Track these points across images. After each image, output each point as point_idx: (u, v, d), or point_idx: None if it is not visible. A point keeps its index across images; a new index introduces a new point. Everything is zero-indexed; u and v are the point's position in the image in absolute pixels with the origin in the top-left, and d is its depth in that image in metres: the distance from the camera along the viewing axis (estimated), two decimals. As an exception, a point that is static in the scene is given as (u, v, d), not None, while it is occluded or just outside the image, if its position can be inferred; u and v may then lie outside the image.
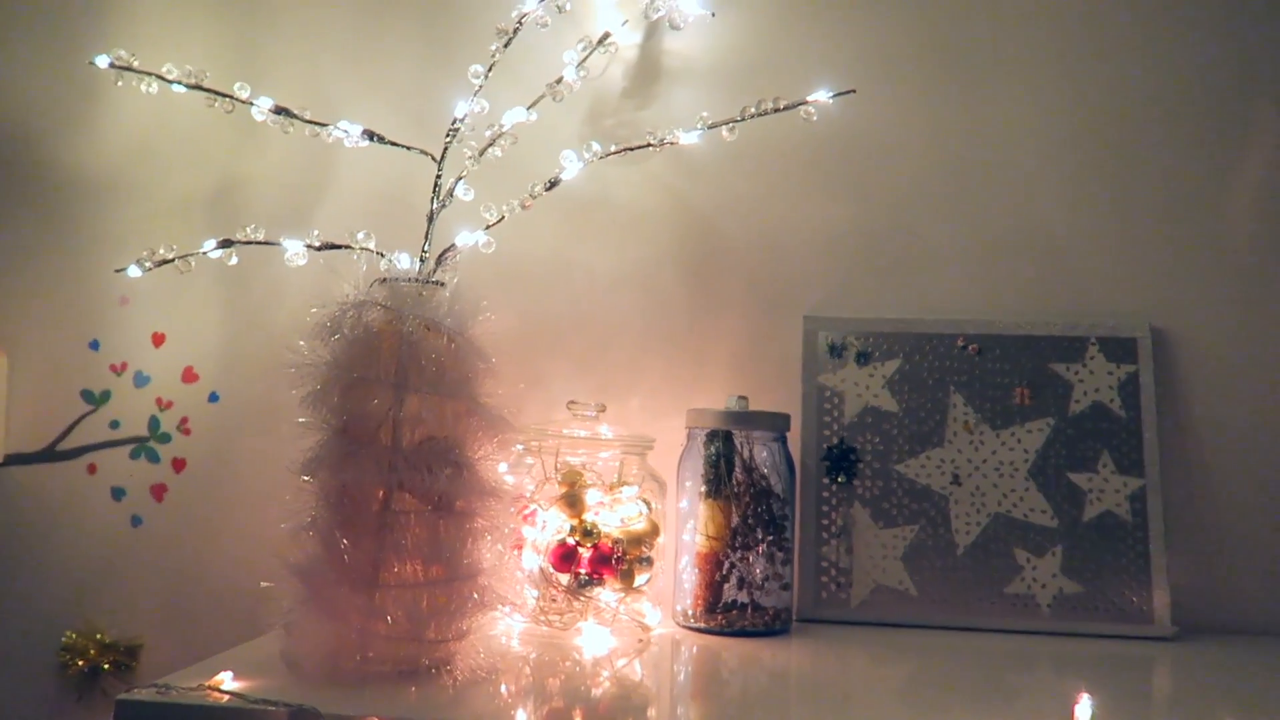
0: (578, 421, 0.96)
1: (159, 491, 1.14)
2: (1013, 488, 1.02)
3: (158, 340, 1.16)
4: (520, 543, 0.90)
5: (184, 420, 1.15)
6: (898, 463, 1.04)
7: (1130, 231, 1.08)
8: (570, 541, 0.89)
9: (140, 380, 1.15)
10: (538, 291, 1.12)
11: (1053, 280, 1.08)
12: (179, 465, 1.14)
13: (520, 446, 0.93)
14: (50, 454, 1.16)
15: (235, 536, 1.12)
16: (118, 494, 1.15)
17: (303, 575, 0.76)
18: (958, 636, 0.96)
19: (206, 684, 0.68)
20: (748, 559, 0.95)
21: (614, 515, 0.91)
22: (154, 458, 1.15)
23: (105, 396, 1.16)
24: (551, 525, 0.90)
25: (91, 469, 1.15)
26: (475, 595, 0.77)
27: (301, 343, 0.77)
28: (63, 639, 1.12)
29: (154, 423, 1.15)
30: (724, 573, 0.95)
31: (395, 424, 0.75)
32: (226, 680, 0.68)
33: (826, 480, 1.04)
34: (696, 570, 0.96)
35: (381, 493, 0.75)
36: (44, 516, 1.15)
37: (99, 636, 1.11)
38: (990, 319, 1.06)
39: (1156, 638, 0.97)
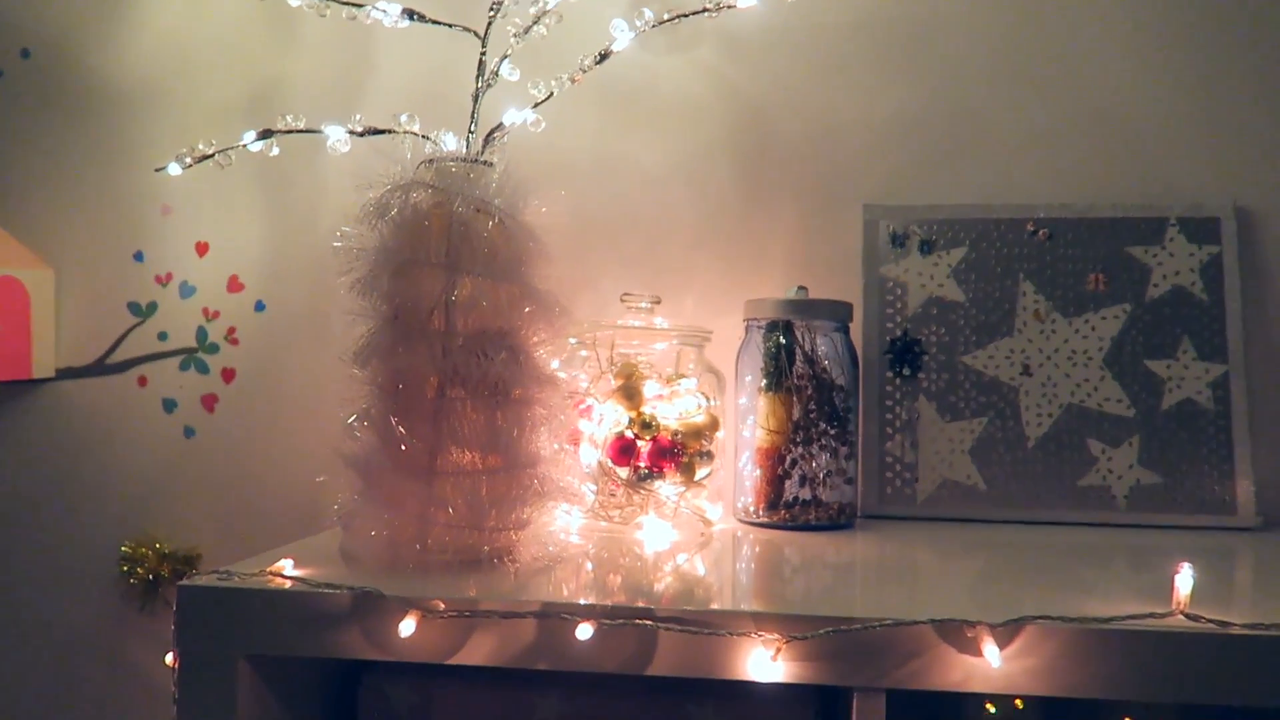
0: (632, 314, 0.93)
1: (209, 402, 1.14)
2: (1086, 377, 0.97)
3: (201, 250, 1.14)
4: (577, 437, 0.88)
5: (231, 330, 1.13)
6: (964, 354, 0.99)
7: (1212, 103, 1.01)
8: (628, 434, 0.87)
9: (186, 291, 1.14)
10: (585, 189, 1.08)
11: (1128, 159, 1.02)
12: (228, 375, 1.13)
13: (574, 340, 0.91)
14: (100, 368, 1.15)
15: (287, 445, 1.12)
16: (169, 406, 1.14)
17: (359, 467, 0.75)
18: (1029, 531, 0.93)
19: (268, 570, 0.67)
20: (810, 453, 0.92)
21: (672, 408, 0.89)
22: (203, 369, 1.14)
23: (152, 309, 1.14)
24: (609, 419, 0.87)
25: (142, 381, 1.15)
26: (535, 484, 0.75)
27: (348, 229, 0.74)
28: (122, 549, 1.12)
29: (201, 334, 1.14)
30: (786, 468, 0.92)
31: (447, 308, 0.73)
32: (288, 567, 0.67)
33: (890, 374, 1.00)
34: (757, 467, 0.93)
35: (436, 380, 0.73)
36: (97, 430, 1.15)
37: (158, 546, 1.12)
38: (1061, 202, 1.01)
39: (1239, 528, 0.93)
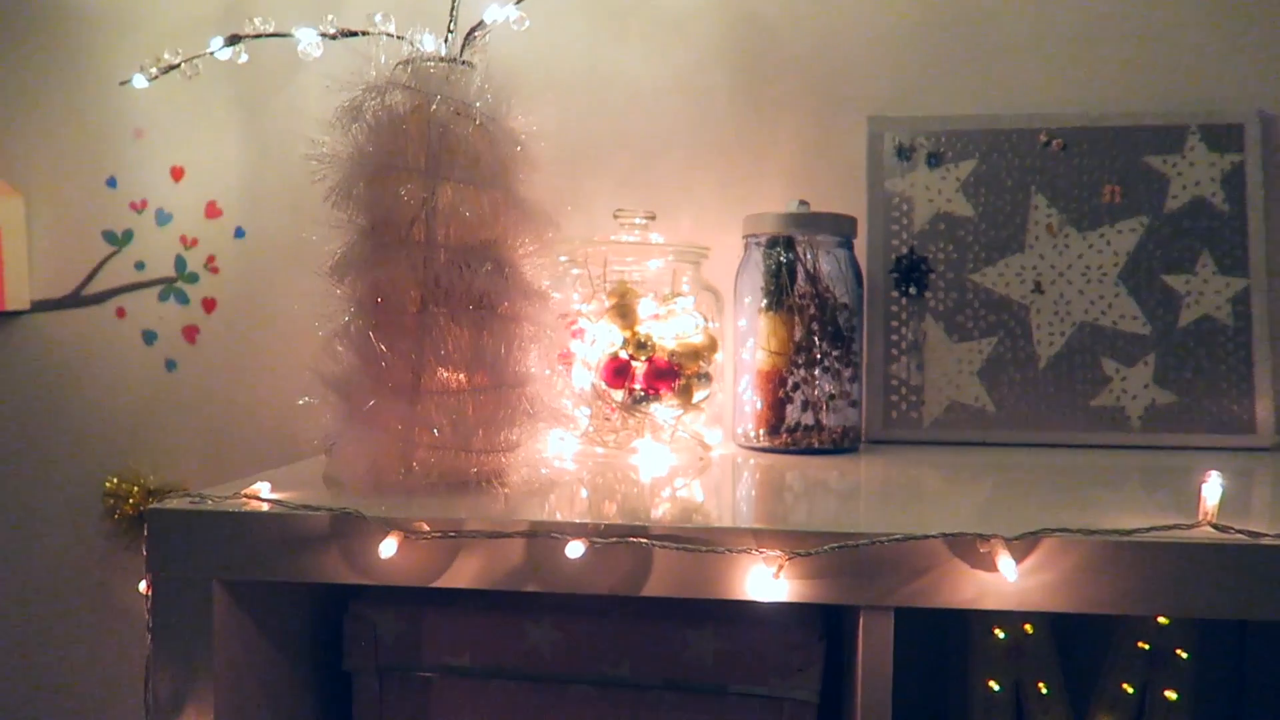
0: (626, 231, 0.88)
1: (191, 333, 1.10)
2: (1101, 294, 0.93)
3: (177, 174, 1.09)
4: (569, 359, 0.84)
5: (210, 259, 1.09)
6: (973, 272, 0.95)
7: (1235, 3, 0.95)
8: (622, 356, 0.83)
9: (162, 218, 1.09)
10: (575, 104, 1.03)
11: (1146, 64, 0.97)
12: (209, 305, 1.09)
13: (564, 258, 0.86)
14: (77, 299, 1.11)
15: (272, 376, 1.08)
16: (149, 338, 1.10)
17: (339, 388, 0.71)
18: (1040, 454, 0.90)
19: (243, 492, 0.63)
20: (812, 375, 0.89)
21: (668, 328, 0.85)
22: (183, 299, 1.10)
23: (128, 237, 1.10)
24: (602, 340, 0.84)
25: (120, 313, 1.11)
26: (524, 404, 0.71)
27: (323, 137, 0.70)
28: (106, 485, 1.09)
29: (180, 262, 1.09)
30: (787, 391, 0.89)
31: (428, 217, 0.68)
32: (264, 490, 0.64)
33: (895, 294, 0.96)
34: (757, 391, 0.90)
35: (417, 294, 0.69)
36: (76, 363, 1.11)
37: (142, 482, 1.09)
38: (1076, 111, 0.96)
39: (1259, 448, 0.90)
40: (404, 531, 0.58)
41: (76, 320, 1.11)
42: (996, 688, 0.83)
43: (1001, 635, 0.83)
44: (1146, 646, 0.82)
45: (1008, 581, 0.54)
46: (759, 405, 0.89)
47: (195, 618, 0.61)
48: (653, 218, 0.89)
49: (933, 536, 0.55)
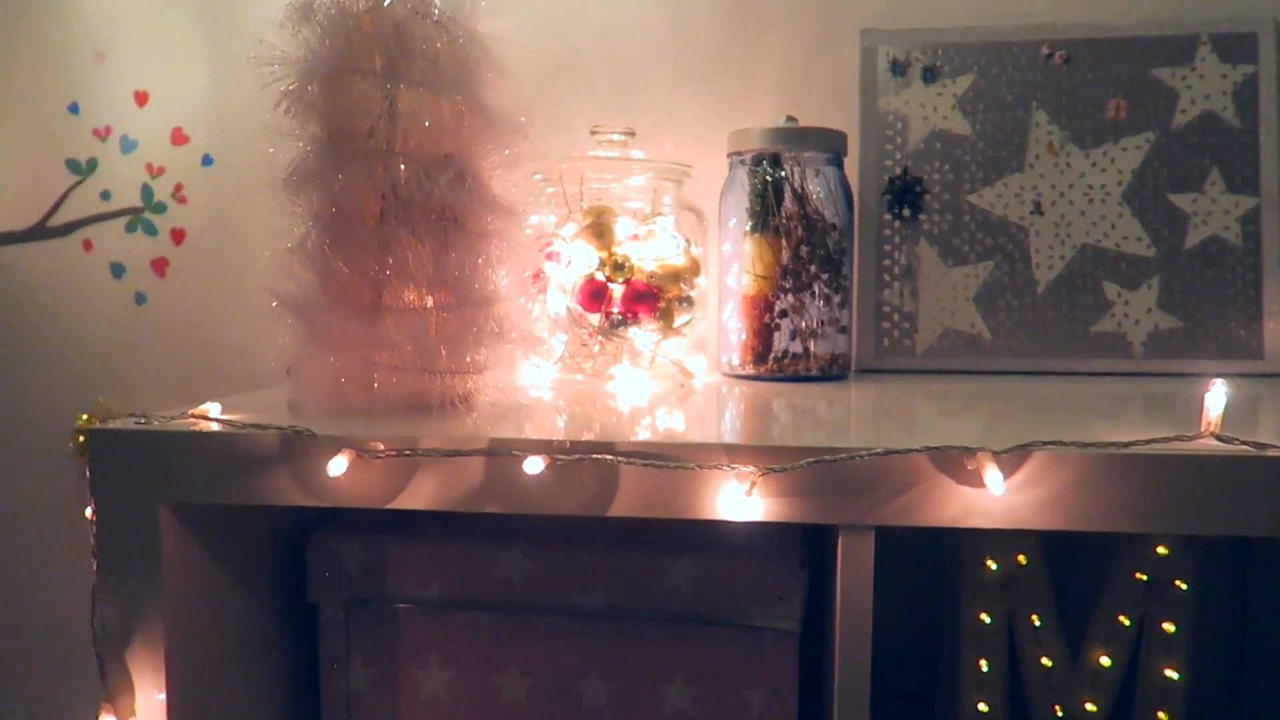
0: (604, 148, 0.84)
1: (160, 266, 1.06)
2: (1103, 214, 0.89)
3: (141, 100, 1.05)
4: (544, 283, 0.80)
5: (178, 187, 1.05)
6: (970, 193, 0.91)
7: (1255, -95, 0.90)
8: (599, 277, 0.79)
9: (127, 146, 1.05)
10: (550, 22, 0.98)
11: (1157, -30, 0.91)
12: (178, 236, 1.06)
13: (539, 176, 0.82)
14: (42, 231, 1.07)
15: (244, 308, 1.04)
16: (117, 271, 1.07)
17: (297, 308, 0.67)
18: (1037, 382, 0.86)
19: (191, 412, 0.60)
20: (801, 301, 0.85)
21: (647, 249, 0.81)
22: (151, 230, 1.06)
23: (92, 165, 1.06)
24: (578, 262, 0.80)
25: (87, 245, 1.07)
26: (491, 324, 0.67)
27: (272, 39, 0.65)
28: (77, 423, 1.06)
29: (147, 192, 1.05)
30: (774, 317, 0.85)
31: (386, 123, 0.64)
32: (213, 410, 0.61)
33: (888, 216, 0.92)
34: (743, 318, 0.86)
35: (376, 206, 0.65)
36: (43, 299, 1.08)
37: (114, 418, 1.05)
38: (1080, 21, 0.90)
39: (1267, 374, 0.86)
40: (356, 450, 0.55)
41: (42, 253, 1.08)
42: (988, 620, 0.80)
43: (994, 566, 0.80)
44: (1145, 578, 0.79)
45: (995, 498, 0.51)
46: (744, 334, 0.86)
47: (142, 543, 0.58)
48: (632, 134, 0.85)
49: (916, 450, 0.51)
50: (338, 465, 0.54)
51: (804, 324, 0.85)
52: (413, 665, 0.70)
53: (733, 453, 0.53)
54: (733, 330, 0.87)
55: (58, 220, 1.07)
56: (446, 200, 0.65)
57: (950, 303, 0.90)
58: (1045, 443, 0.51)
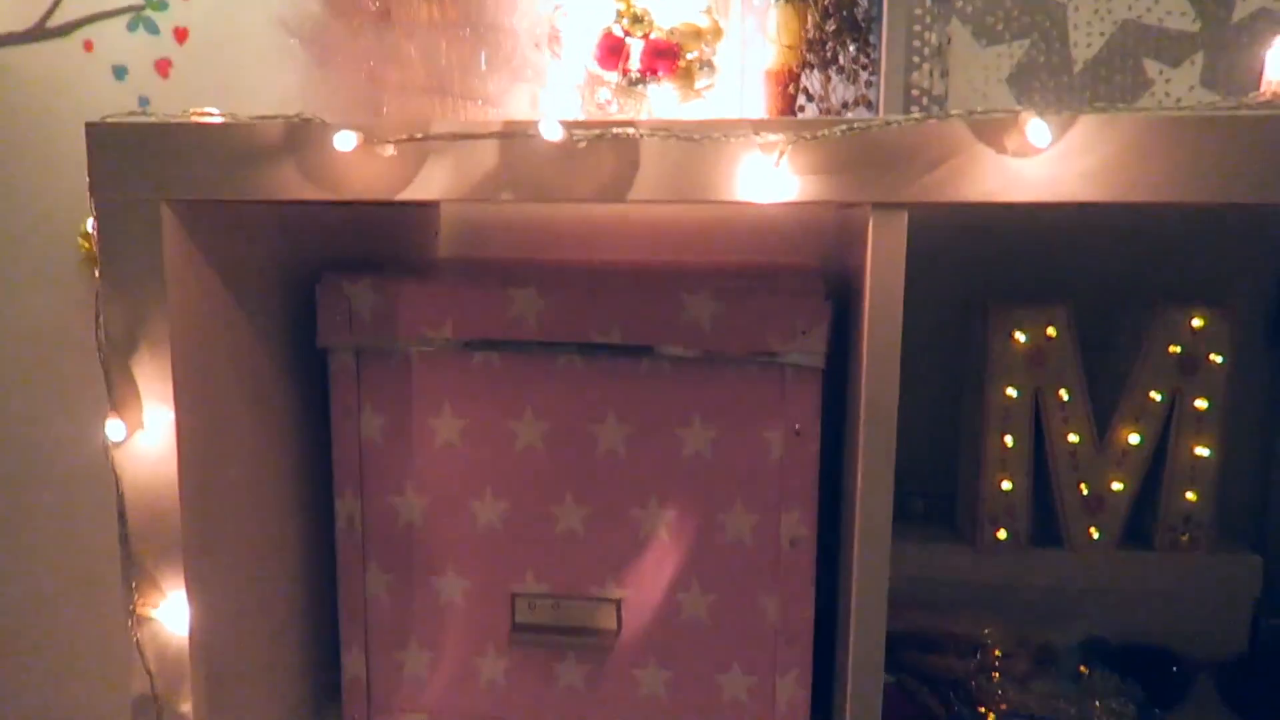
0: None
1: (163, 67, 1.02)
2: (1147, -13, 0.85)
3: (139, -112, 1.00)
4: (558, 39, 0.77)
5: (179, -18, 1.01)
6: (1006, -32, 0.86)
7: None
8: (617, 32, 0.76)
9: (126, -62, 1.01)
10: None
11: None
12: (181, 35, 1.02)
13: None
14: (41, 32, 1.04)
15: (248, 112, 1.01)
16: (119, 73, 1.03)
17: (303, 29, 0.64)
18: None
19: (191, 111, 0.57)
20: (826, 77, 0.81)
21: (667, 6, 0.77)
22: (153, 29, 1.02)
23: (90, -40, 1.02)
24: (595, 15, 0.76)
25: (88, 46, 1.03)
26: (506, 51, 0.64)
27: None
28: (81, 227, 1.04)
29: (147, -13, 1.01)
30: (799, 87, 0.82)
31: None
32: (215, 113, 0.58)
33: (919, -6, 0.87)
34: (766, 95, 0.82)
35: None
36: (43, 103, 1.05)
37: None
38: None
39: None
40: (365, 134, 0.52)
41: (42, 55, 1.04)
42: (1014, 394, 0.78)
43: (1022, 339, 0.77)
44: (1178, 350, 0.77)
45: (1037, 171, 0.48)
46: (767, 109, 0.82)
47: (144, 247, 0.56)
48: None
49: (956, 115, 0.48)
50: (345, 140, 0.52)
51: (829, 104, 0.82)
52: (426, 412, 0.69)
53: (759, 126, 0.50)
54: (754, 112, 0.83)
55: (56, 20, 1.03)
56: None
57: (983, 85, 0.86)
58: (1095, 107, 0.48)
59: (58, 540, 1.10)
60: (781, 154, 0.49)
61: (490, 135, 0.52)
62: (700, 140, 0.50)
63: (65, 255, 1.06)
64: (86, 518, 1.09)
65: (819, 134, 0.49)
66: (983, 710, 0.62)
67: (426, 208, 0.94)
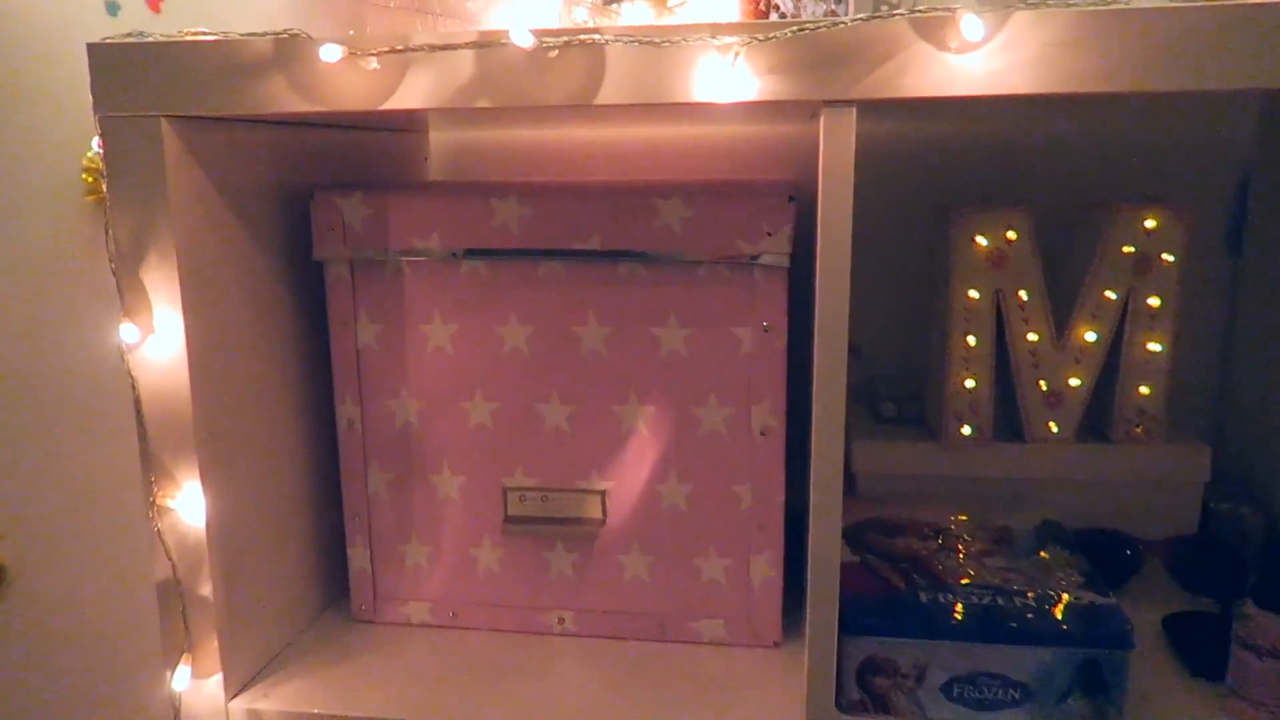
0: None
1: (154, 3, 1.05)
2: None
3: None
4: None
5: (167, -84, 1.03)
6: (972, -117, 0.88)
7: None
8: (592, -48, 0.79)
9: (112, -126, 1.03)
10: None
11: None
12: (170, -30, 1.04)
13: None
14: (34, -30, 1.06)
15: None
16: (112, 9, 1.06)
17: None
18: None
19: (186, 31, 0.61)
20: (796, -7, 0.84)
21: (641, -74, 0.80)
22: (143, -36, 1.05)
23: (78, -103, 1.04)
24: (570, -62, 0.79)
25: (80, -17, 1.06)
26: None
27: None
28: (84, 160, 1.08)
29: (135, -78, 1.04)
30: (770, 4, 0.84)
31: None
32: (208, 32, 0.61)
33: (888, -89, 0.90)
34: (738, 12, 0.85)
35: None
36: (36, 40, 1.07)
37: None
38: None
39: None
40: (349, 48, 0.56)
41: (35, -8, 1.07)
42: (976, 296, 0.82)
43: (983, 243, 0.81)
44: (1132, 250, 0.81)
45: (977, 65, 0.51)
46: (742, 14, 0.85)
47: (147, 159, 0.60)
48: None
49: (899, 14, 0.52)
50: (330, 52, 0.55)
51: (797, 10, 0.84)
52: (418, 320, 0.73)
53: (717, 30, 0.53)
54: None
55: (49, -43, 1.06)
56: None
57: None
58: (1028, 3, 0.51)
59: (76, 446, 1.15)
60: (736, 55, 0.52)
61: (467, 45, 0.55)
62: (661, 44, 0.53)
63: (67, 188, 1.10)
64: (103, 428, 1.14)
65: (771, 35, 0.52)
66: (941, 581, 0.67)
67: (415, 134, 0.97)
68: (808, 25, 0.52)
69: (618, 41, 0.54)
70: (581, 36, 0.54)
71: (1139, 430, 0.84)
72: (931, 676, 0.64)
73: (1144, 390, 0.83)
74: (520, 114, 0.64)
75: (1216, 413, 0.92)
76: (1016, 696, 0.63)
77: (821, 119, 0.54)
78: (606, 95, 0.55)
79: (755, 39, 0.52)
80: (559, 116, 0.73)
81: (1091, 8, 0.51)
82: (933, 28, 0.52)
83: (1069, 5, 0.51)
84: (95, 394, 1.13)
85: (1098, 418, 0.85)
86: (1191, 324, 0.89)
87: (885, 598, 0.66)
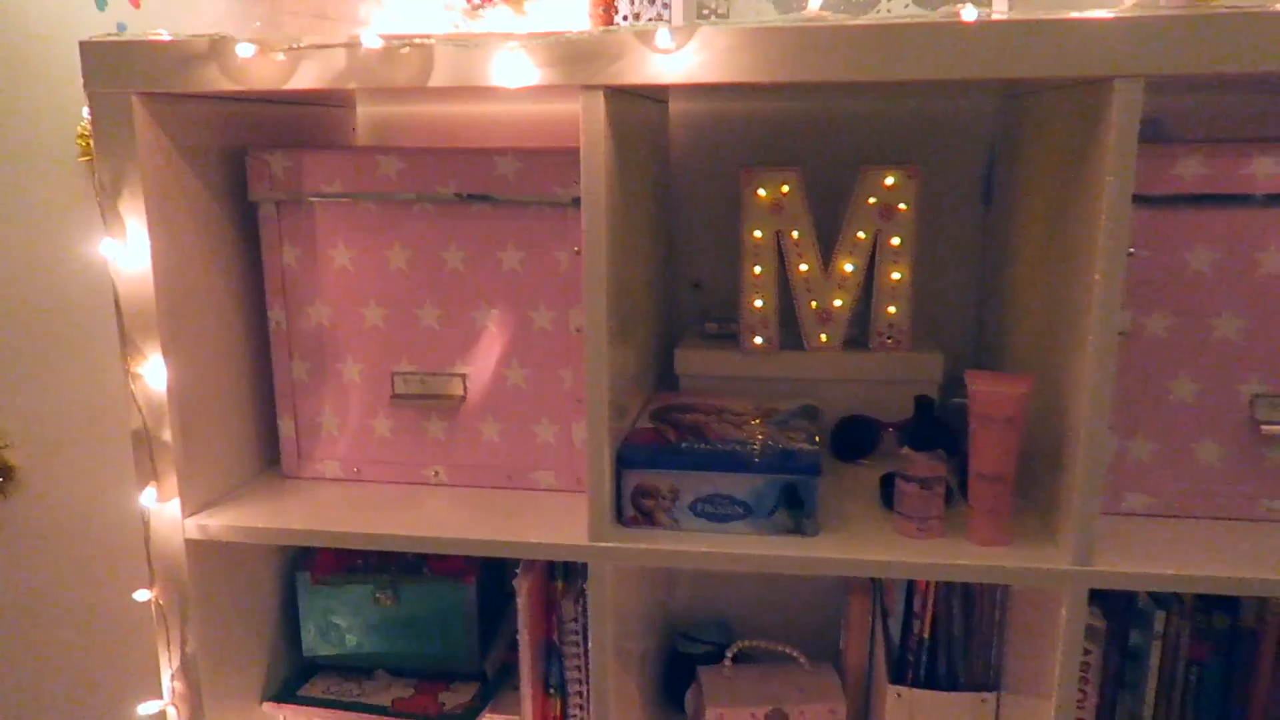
0: None
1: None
2: (875, -71, 1.11)
3: None
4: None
5: (145, -71, 1.27)
6: (773, -86, 1.13)
7: None
8: (463, -30, 1.03)
9: (101, -105, 1.27)
10: None
11: None
12: (148, -27, 1.28)
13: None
14: (37, -28, 1.30)
15: (200, 27, 1.28)
16: (100, 4, 1.30)
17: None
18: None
19: (147, 33, 0.86)
20: None
21: (502, -50, 1.04)
22: (126, -32, 1.28)
23: (73, -88, 1.27)
24: (447, -41, 1.03)
25: (75, -17, 1.30)
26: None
27: None
28: (79, 128, 1.32)
29: (120, -66, 1.27)
30: (613, 7, 1.09)
31: None
32: (165, 34, 0.86)
33: (708, -65, 1.14)
34: (588, 12, 1.10)
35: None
36: (31, 35, 1.30)
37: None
38: None
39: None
40: (260, 44, 0.81)
41: (36, -11, 1.30)
42: (760, 235, 1.08)
43: (763, 194, 1.06)
44: (875, 200, 1.06)
45: (676, 63, 0.77)
46: (590, 25, 1.10)
47: (122, 124, 0.85)
48: None
49: (624, 29, 0.77)
50: (245, 49, 0.80)
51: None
52: (327, 246, 0.98)
53: (509, 38, 0.78)
54: (581, 24, 1.11)
55: (50, -38, 1.29)
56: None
57: (756, 1, 1.14)
58: (709, 22, 0.76)
59: (78, 361, 1.40)
60: (522, 53, 0.77)
61: (340, 45, 0.80)
62: (472, 46, 0.78)
63: (64, 153, 1.33)
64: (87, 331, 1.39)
65: (545, 40, 0.77)
66: (703, 436, 0.92)
67: (345, 109, 1.22)
68: (568, 34, 0.77)
69: (444, 44, 0.79)
70: (418, 40, 0.79)
71: (890, 341, 1.09)
72: (682, 498, 0.90)
73: (892, 310, 1.09)
74: (400, 93, 0.88)
75: (948, 329, 1.18)
76: (740, 511, 0.89)
77: (581, 99, 0.79)
78: (436, 79, 0.80)
79: (534, 43, 0.77)
80: (445, 95, 0.97)
81: (753, 25, 0.76)
82: (646, 37, 0.77)
83: (733, 24, 0.76)
84: (89, 309, 1.38)
85: (859, 331, 1.11)
86: (952, 259, 1.14)
87: (655, 444, 0.92)
